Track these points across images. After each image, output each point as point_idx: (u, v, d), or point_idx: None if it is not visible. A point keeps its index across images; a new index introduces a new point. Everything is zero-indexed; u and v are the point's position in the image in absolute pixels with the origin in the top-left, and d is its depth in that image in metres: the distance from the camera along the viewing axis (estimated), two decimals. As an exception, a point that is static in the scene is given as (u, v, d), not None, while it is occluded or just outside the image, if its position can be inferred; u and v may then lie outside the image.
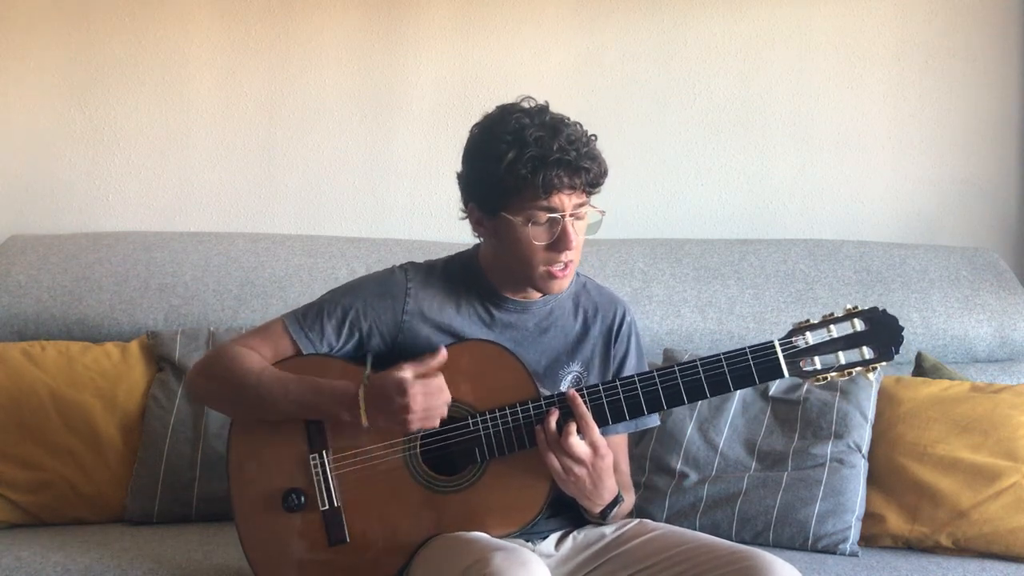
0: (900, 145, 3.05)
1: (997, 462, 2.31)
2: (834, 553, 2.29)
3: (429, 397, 1.82)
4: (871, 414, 2.42)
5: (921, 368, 2.56)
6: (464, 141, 1.94)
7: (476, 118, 1.94)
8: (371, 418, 1.85)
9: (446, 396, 1.85)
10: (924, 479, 2.33)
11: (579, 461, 1.83)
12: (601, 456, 1.84)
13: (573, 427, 1.83)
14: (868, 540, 2.34)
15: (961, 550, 2.29)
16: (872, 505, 2.36)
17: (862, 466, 2.37)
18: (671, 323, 2.69)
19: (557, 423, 1.85)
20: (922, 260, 2.79)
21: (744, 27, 3.03)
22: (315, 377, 1.90)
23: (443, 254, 2.09)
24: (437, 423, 1.85)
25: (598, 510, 1.90)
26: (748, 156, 3.05)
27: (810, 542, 2.30)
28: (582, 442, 1.83)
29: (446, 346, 1.91)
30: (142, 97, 3.02)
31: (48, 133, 3.02)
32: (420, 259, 2.08)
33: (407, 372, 1.84)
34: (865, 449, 2.39)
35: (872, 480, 2.37)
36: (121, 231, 2.91)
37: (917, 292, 2.72)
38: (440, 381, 1.84)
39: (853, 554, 2.29)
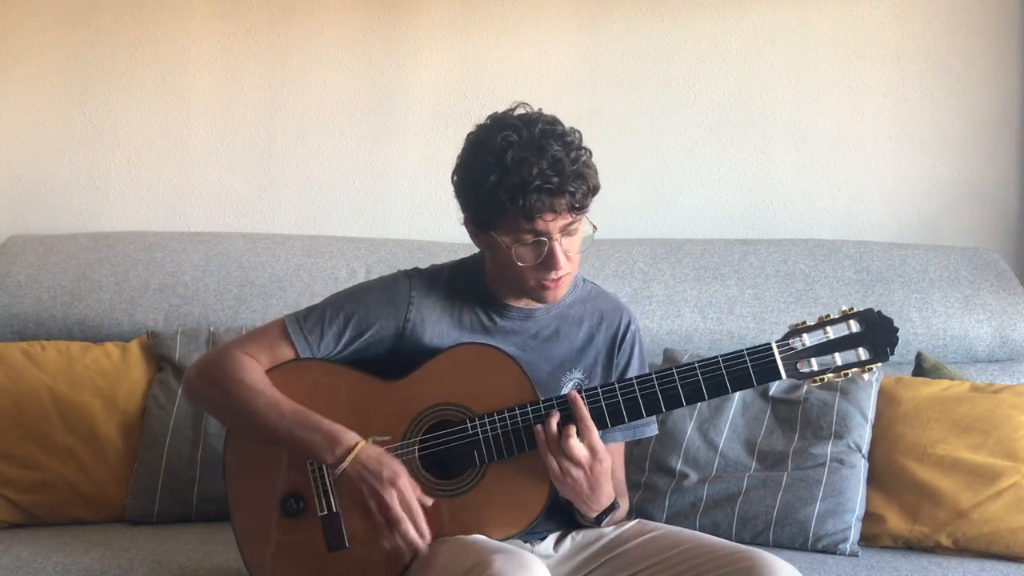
0: (900, 145, 3.04)
1: (997, 462, 2.31)
2: (834, 553, 2.29)
3: (407, 511, 1.81)
4: (871, 414, 2.42)
5: (921, 368, 2.56)
6: (464, 142, 1.93)
7: (476, 118, 1.92)
8: (348, 473, 1.83)
9: (413, 536, 1.82)
10: (924, 479, 2.33)
11: (577, 464, 1.83)
12: (599, 460, 1.84)
13: (573, 429, 1.83)
14: (868, 540, 2.34)
15: (961, 550, 2.29)
16: (872, 505, 2.36)
17: (862, 466, 2.37)
18: (671, 323, 2.69)
19: (557, 425, 1.84)
20: (922, 260, 2.79)
21: (744, 27, 3.03)
22: (312, 415, 1.87)
23: (443, 254, 2.09)
24: (386, 544, 1.83)
25: (593, 514, 1.90)
26: (748, 156, 3.05)
27: (810, 542, 2.30)
28: (581, 445, 1.83)
29: (446, 348, 1.92)
30: (142, 97, 3.02)
31: (48, 133, 3.02)
32: (421, 260, 2.08)
33: (404, 472, 1.83)
34: (865, 449, 2.39)
35: (872, 480, 2.37)
36: (121, 231, 2.92)
37: (917, 292, 2.72)
38: (416, 510, 1.82)
39: (853, 554, 2.29)
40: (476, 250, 2.03)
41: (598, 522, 1.92)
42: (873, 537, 2.34)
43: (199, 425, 2.46)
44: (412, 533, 1.82)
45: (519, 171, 1.79)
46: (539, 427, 1.84)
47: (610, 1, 3.02)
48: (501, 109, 1.90)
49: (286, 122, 3.04)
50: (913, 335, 2.64)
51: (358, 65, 3.03)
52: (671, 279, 2.75)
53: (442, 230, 2.99)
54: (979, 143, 3.04)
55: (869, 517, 2.35)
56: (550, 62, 3.03)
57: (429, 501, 1.85)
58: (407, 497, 1.82)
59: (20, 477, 2.41)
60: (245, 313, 2.67)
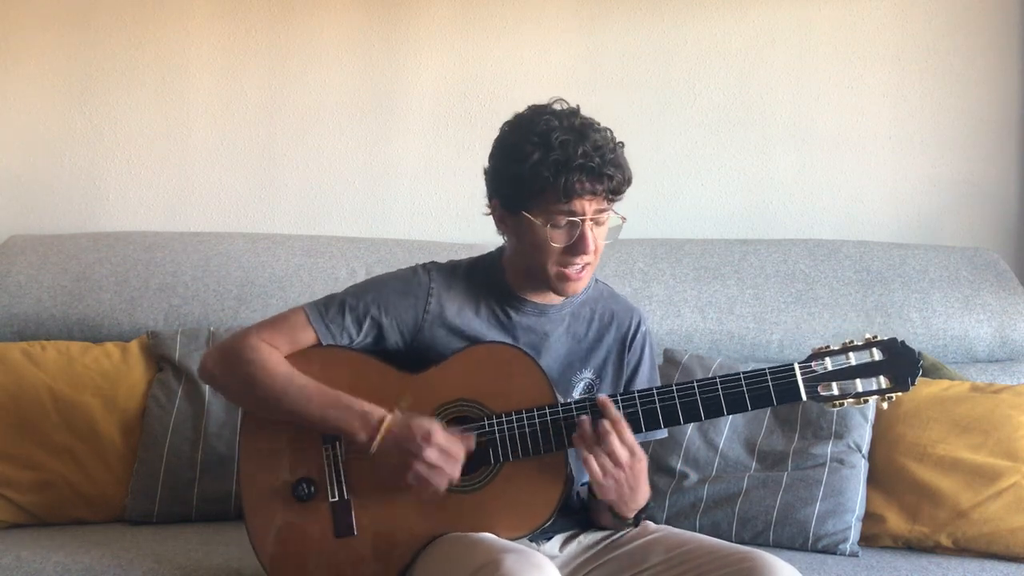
0: (900, 145, 3.04)
1: (997, 462, 2.31)
2: (834, 553, 2.29)
3: (444, 459, 1.82)
4: (871, 414, 2.42)
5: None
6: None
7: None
8: (383, 447, 1.84)
9: (455, 472, 1.84)
10: (924, 479, 2.33)
11: (618, 463, 1.82)
12: (638, 459, 1.84)
13: (611, 427, 1.82)
14: (868, 540, 2.35)
15: (961, 550, 2.29)
16: (872, 505, 2.36)
17: (862, 466, 2.37)
18: (671, 323, 2.69)
19: (591, 425, 1.84)
20: (922, 260, 2.79)
21: (744, 27, 3.03)
22: (341, 394, 1.89)
23: (443, 254, 2.09)
24: (440, 488, 1.84)
25: (632, 514, 1.89)
26: (748, 156, 3.05)
27: (810, 542, 2.30)
28: (621, 445, 1.83)
29: (464, 347, 1.92)
30: (142, 97, 3.02)
31: (48, 133, 3.02)
32: (421, 260, 2.08)
33: (437, 426, 1.84)
34: (865, 449, 2.39)
35: (872, 480, 2.37)
36: (121, 231, 2.91)
37: (917, 292, 2.72)
38: (460, 453, 1.84)
39: (853, 554, 2.29)
40: (483, 250, 2.05)
41: (636, 522, 1.91)
42: (873, 537, 2.35)
43: (199, 425, 2.47)
44: (444, 485, 1.84)
45: (564, 149, 1.83)
46: (576, 434, 1.84)
47: (610, 1, 3.02)
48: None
49: (286, 122, 3.04)
50: (913, 335, 2.64)
51: (358, 65, 3.03)
52: (671, 279, 2.75)
53: (442, 230, 2.99)
54: (979, 143, 3.04)
55: (869, 517, 2.35)
56: (550, 62, 3.03)
57: (471, 444, 1.85)
58: (445, 452, 1.82)
59: (20, 477, 2.41)
60: (245, 313, 2.67)
